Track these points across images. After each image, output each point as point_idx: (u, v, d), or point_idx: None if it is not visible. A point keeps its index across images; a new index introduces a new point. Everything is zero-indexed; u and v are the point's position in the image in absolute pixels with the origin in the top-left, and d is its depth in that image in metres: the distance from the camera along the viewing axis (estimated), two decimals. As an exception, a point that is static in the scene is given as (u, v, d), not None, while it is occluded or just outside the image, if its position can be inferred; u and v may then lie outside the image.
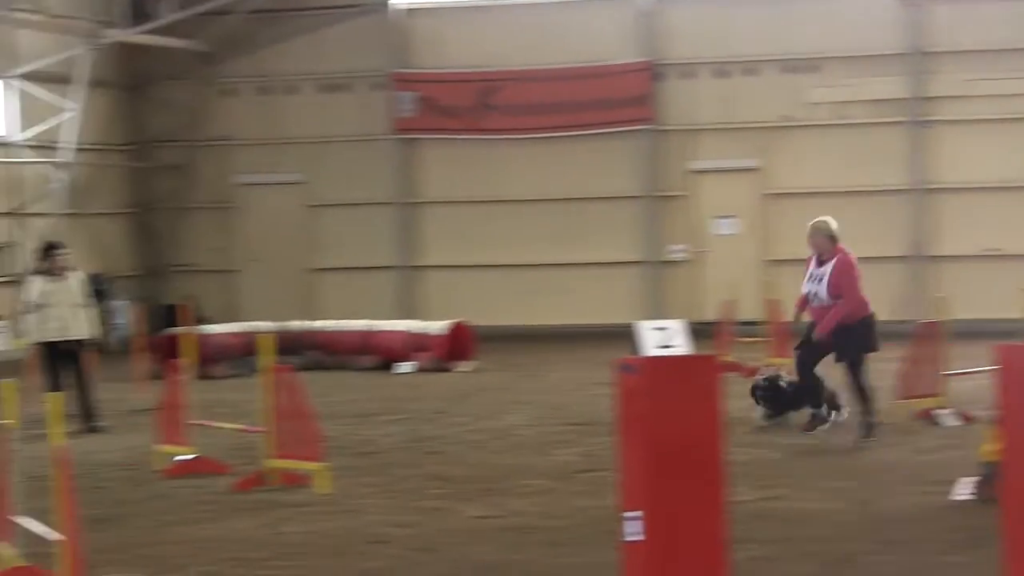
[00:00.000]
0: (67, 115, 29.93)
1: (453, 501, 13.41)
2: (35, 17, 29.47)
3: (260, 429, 14.94)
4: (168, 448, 15.92)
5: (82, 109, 30.02)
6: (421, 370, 24.74)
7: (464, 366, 25.15)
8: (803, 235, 27.21)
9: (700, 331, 13.37)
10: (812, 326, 15.15)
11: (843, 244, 15.26)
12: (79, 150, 30.37)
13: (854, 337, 14.83)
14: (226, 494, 14.22)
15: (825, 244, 15.03)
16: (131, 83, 33.24)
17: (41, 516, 10.09)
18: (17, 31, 29.73)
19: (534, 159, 31.04)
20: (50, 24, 29.99)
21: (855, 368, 14.59)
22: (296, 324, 26.23)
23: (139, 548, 11.63)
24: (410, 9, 30.58)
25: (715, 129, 30.66)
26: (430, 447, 17.50)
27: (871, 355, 15.51)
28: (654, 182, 30.66)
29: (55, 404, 9.96)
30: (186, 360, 17.85)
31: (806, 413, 15.24)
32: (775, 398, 15.45)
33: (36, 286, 18.80)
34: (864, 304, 14.71)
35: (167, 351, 22.78)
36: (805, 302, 15.12)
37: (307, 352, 25.02)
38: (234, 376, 23.93)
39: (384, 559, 11.13)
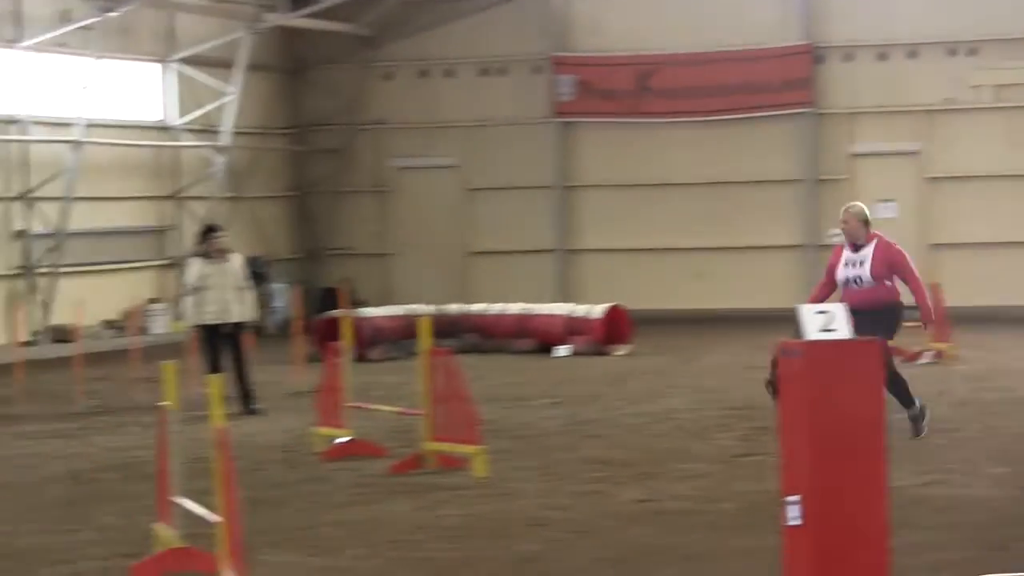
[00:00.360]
0: (227, 99, 30.53)
1: (611, 484, 13.33)
2: (196, 2, 30.58)
3: (417, 412, 15.07)
4: (326, 431, 16.13)
5: (241, 93, 30.64)
6: (577, 353, 24.88)
7: (620, 350, 25.29)
8: (965, 218, 28.45)
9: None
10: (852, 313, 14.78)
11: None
12: (238, 134, 31.19)
13: (889, 319, 14.86)
14: (383, 477, 14.33)
15: (860, 229, 14.93)
16: (291, 67, 34.12)
17: (200, 498, 10.20)
18: (177, 16, 30.57)
19: (692, 142, 31.38)
20: (211, 8, 30.92)
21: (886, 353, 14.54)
22: (453, 307, 26.46)
23: (296, 530, 11.77)
24: (569, -7, 31.46)
25: (876, 112, 30.95)
26: (587, 430, 17.53)
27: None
28: (814, 166, 30.99)
29: (215, 386, 9.95)
30: (344, 343, 17.60)
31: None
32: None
33: (195, 269, 18.99)
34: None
35: (325, 334, 23.26)
36: (826, 290, 15.09)
37: (464, 335, 25.18)
38: (391, 359, 24.23)
39: (541, 542, 11.11)
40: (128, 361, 23.62)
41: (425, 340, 15.00)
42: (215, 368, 18.59)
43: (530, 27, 32.05)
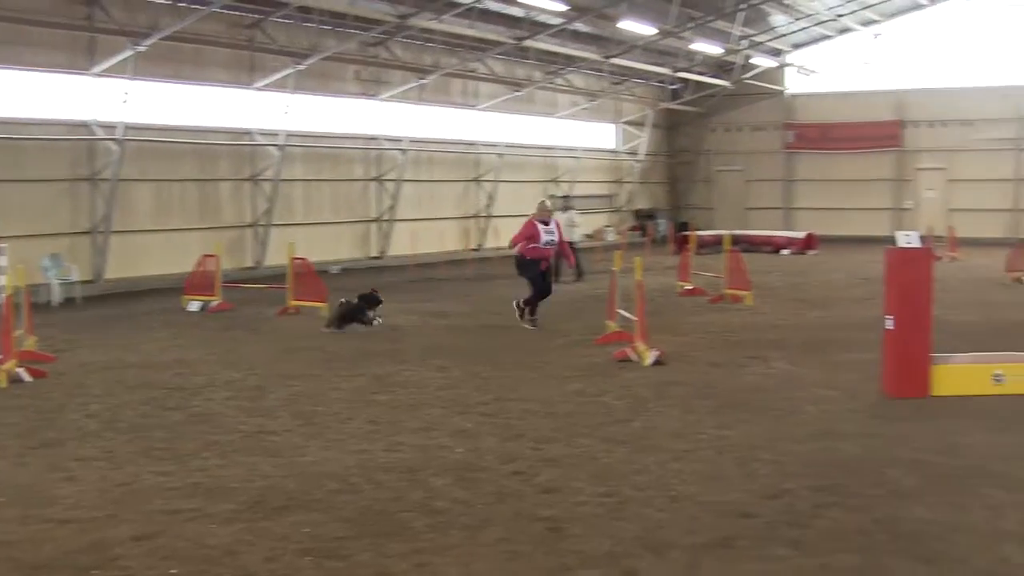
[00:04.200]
0: (641, 139, 51.61)
1: (807, 308, 27.13)
2: (631, 96, 50.61)
3: (719, 275, 24.41)
4: (681, 282, 25.87)
5: (648, 137, 51.75)
6: (792, 253, 40.26)
7: (812, 253, 38.77)
8: (968, 201, 47.91)
9: None
10: (547, 259, 20.66)
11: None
12: (647, 155, 52.39)
13: (557, 264, 21.59)
14: (706, 304, 23.70)
15: (548, 213, 20.60)
16: (669, 125, 55.67)
17: (627, 307, 18.00)
18: (623, 104, 50.91)
19: (844, 164, 51.88)
20: (636, 100, 51.40)
21: None
22: (737, 231, 37.40)
23: (667, 328, 19.57)
24: None
25: (928, 150, 49.67)
26: (797, 283, 30.49)
27: None
28: (900, 172, 50.28)
29: (639, 264, 16.98)
30: (691, 245, 29.72)
31: None
32: None
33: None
34: None
35: (682, 241, 35.33)
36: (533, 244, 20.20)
37: (742, 243, 34.65)
38: (712, 254, 32.98)
39: (800, 330, 21.85)
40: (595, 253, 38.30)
41: (727, 245, 24.77)
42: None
43: (777, 108, 53.38)
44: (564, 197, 32.10)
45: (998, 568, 7.83)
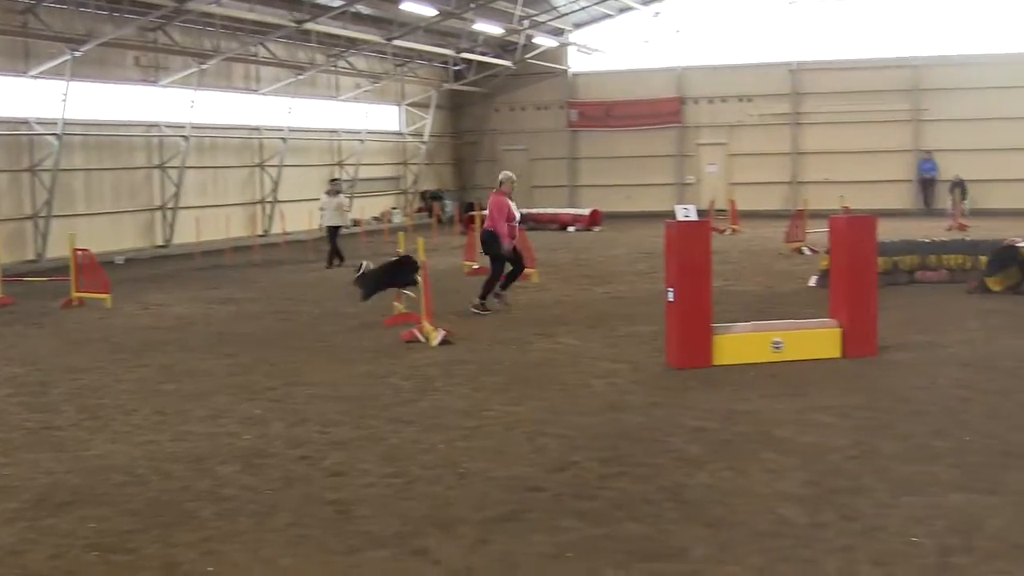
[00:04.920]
0: (426, 120, 51.65)
1: (590, 285, 25.21)
2: (414, 77, 50.41)
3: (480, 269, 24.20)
4: (468, 262, 27.14)
5: (432, 118, 51.70)
6: (577, 230, 49.66)
7: (597, 229, 46.70)
8: (747, 173, 49.28)
9: None
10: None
11: None
12: (431, 136, 52.37)
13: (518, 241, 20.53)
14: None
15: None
16: (452, 105, 55.40)
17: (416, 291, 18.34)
18: (407, 85, 50.82)
19: (634, 140, 53.25)
20: (421, 81, 51.28)
21: None
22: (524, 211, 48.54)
23: (455, 307, 20.56)
24: None
25: (709, 126, 51.72)
26: (582, 260, 31.46)
27: None
28: (682, 148, 52.40)
29: (422, 245, 17.80)
30: (476, 224, 27.52)
31: None
32: None
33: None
34: None
35: (468, 221, 34.26)
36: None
37: (528, 222, 34.48)
38: None
39: (559, 306, 22.07)
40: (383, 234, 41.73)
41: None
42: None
43: (560, 87, 54.10)
44: (333, 180, 32.00)
45: (777, 528, 8.13)
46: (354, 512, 8.75)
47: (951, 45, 48.07)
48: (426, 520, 8.48)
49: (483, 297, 20.02)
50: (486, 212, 20.42)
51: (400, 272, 19.15)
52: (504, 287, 20.39)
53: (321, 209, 31.36)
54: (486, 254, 20.28)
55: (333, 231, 30.74)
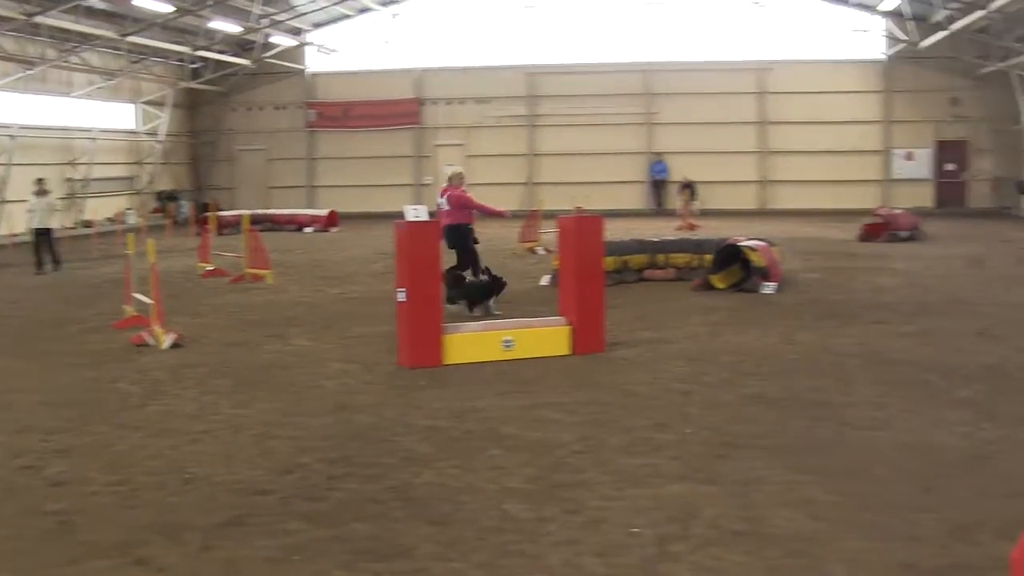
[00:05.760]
0: (162, 119, 50.22)
1: (328, 286, 23.78)
2: (150, 75, 48.78)
3: (239, 255, 25.04)
4: (202, 263, 26.37)
5: (168, 116, 50.35)
6: (316, 231, 46.51)
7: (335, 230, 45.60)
8: (483, 174, 44.95)
9: None
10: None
11: None
12: (167, 135, 50.89)
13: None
14: (227, 285, 23.89)
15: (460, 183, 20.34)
16: (189, 104, 54.13)
17: (145, 291, 17.61)
18: (142, 83, 49.13)
19: (378, 140, 53.34)
20: (156, 79, 49.71)
21: None
22: (263, 211, 42.85)
23: (186, 310, 20.03)
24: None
25: (445, 128, 52.16)
26: (323, 264, 34.53)
27: None
28: (420, 149, 52.72)
29: (152, 246, 17.26)
30: (212, 226, 31.22)
31: None
32: None
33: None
34: None
35: (203, 222, 35.24)
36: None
37: (265, 223, 37.97)
38: (233, 234, 34.30)
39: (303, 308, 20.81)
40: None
41: (246, 225, 25.42)
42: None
43: (298, 87, 53.69)
44: (39, 180, 29.95)
45: (503, 524, 8.27)
46: (76, 522, 8.53)
47: (681, 51, 50.16)
48: (150, 528, 8.34)
49: (484, 297, 19.20)
50: (443, 207, 20.05)
51: (494, 286, 18.88)
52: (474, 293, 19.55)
53: (30, 211, 29.68)
54: (451, 248, 19.70)
55: (44, 233, 29.36)
